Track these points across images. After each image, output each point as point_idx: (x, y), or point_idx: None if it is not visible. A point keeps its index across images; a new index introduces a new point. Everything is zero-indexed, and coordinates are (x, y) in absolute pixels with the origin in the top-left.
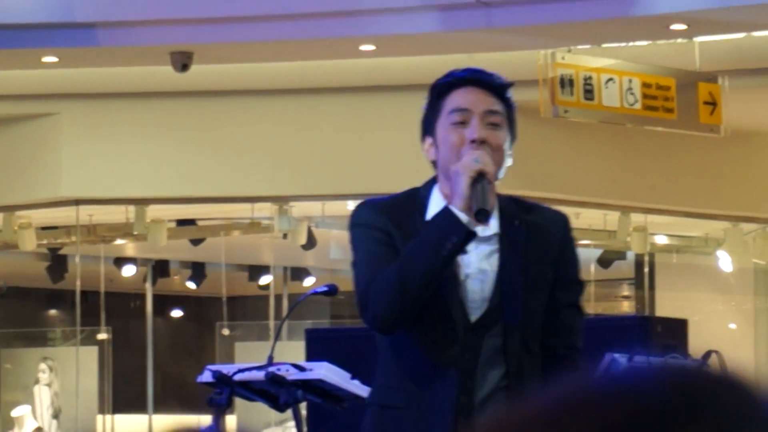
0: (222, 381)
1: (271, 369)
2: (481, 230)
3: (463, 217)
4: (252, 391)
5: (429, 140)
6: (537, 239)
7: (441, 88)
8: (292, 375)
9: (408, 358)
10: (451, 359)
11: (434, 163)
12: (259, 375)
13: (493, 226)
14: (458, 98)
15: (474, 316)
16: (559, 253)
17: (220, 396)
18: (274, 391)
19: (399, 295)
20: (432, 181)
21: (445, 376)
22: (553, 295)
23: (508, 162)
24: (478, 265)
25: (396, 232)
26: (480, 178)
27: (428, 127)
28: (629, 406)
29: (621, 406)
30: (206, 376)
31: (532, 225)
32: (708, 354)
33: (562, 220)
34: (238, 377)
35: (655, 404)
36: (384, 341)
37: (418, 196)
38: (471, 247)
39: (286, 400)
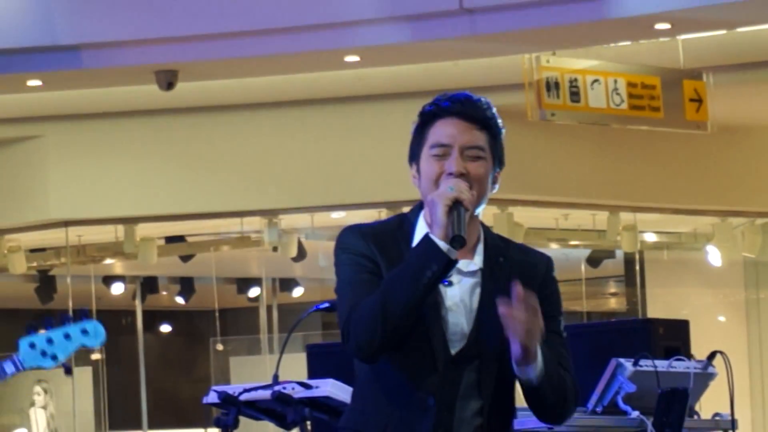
0: (228, 402)
1: (277, 388)
2: (465, 264)
3: (443, 245)
4: (258, 410)
5: (414, 168)
6: (520, 277)
7: (426, 117)
8: (299, 393)
9: (387, 386)
10: (430, 389)
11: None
12: (266, 394)
13: (477, 261)
14: (440, 131)
15: (454, 349)
16: (539, 290)
17: (227, 416)
18: (281, 410)
19: (380, 324)
20: (419, 207)
21: (424, 406)
22: None
23: (494, 190)
24: (461, 298)
25: (381, 260)
26: (456, 206)
27: (413, 155)
28: None
29: None
30: (212, 397)
31: (516, 263)
32: (713, 355)
33: (546, 261)
34: (244, 397)
35: None
36: (363, 366)
37: (404, 223)
38: (455, 279)
39: (293, 419)
